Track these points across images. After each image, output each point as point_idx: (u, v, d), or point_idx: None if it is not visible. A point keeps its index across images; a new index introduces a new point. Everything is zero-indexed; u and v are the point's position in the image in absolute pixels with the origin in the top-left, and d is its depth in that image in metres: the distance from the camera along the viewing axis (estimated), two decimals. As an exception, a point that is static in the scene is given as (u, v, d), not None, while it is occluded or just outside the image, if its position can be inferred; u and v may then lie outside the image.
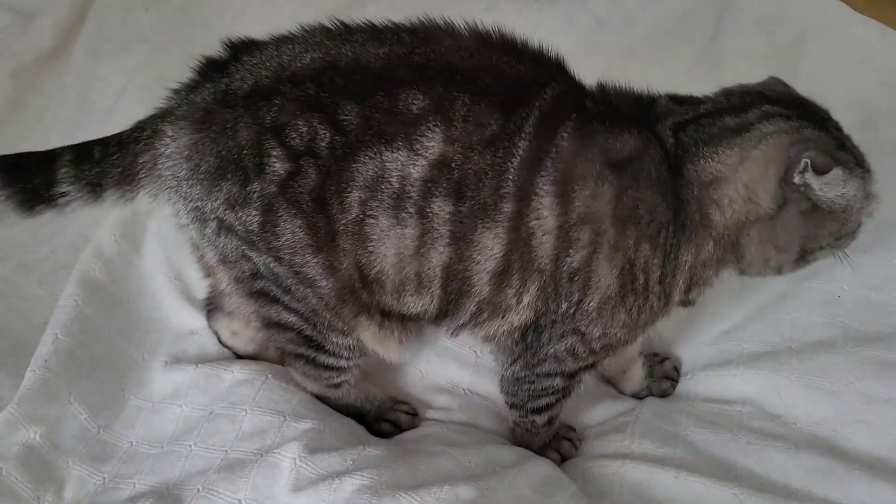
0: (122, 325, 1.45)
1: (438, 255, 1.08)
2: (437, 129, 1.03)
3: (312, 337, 1.21)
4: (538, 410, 1.25)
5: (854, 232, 1.09)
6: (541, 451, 1.33)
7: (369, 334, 1.19)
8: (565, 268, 1.07)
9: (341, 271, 1.10)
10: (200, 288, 1.45)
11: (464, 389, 1.43)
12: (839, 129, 1.08)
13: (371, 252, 1.08)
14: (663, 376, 1.43)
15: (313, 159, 1.04)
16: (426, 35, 1.08)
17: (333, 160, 1.04)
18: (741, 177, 1.04)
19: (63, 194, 1.10)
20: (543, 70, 1.10)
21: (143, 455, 1.28)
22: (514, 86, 1.06)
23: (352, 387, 1.33)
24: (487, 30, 1.10)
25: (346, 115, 1.03)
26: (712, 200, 1.06)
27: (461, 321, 1.16)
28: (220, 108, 1.06)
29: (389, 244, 1.07)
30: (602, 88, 1.12)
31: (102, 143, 1.12)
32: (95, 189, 1.11)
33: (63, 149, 1.12)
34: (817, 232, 1.07)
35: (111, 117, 1.80)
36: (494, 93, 1.05)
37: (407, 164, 1.03)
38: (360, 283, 1.12)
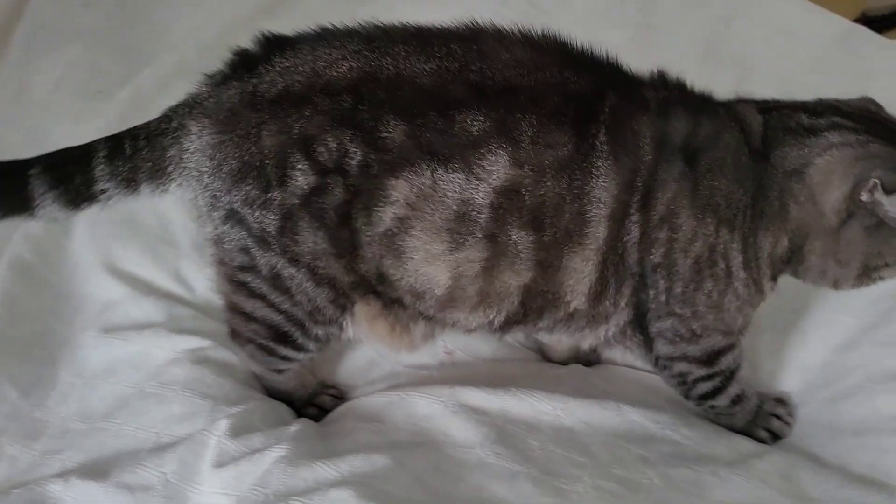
0: (52, 304, 1.45)
1: (517, 277, 1.08)
2: (503, 153, 1.00)
3: (288, 333, 1.18)
4: (705, 397, 1.23)
5: None
6: (747, 431, 1.28)
7: (370, 321, 1.18)
8: (649, 266, 1.09)
9: (361, 272, 1.10)
10: (130, 263, 1.49)
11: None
12: None
13: (405, 268, 1.07)
14: None
15: (342, 177, 1.02)
16: (479, 47, 1.04)
17: (366, 178, 1.01)
18: (814, 181, 1.05)
19: (103, 191, 1.12)
20: (600, 78, 1.07)
21: (75, 432, 1.27)
22: (581, 102, 1.04)
23: (293, 374, 1.33)
24: (541, 37, 1.07)
25: (389, 132, 1.00)
26: (791, 192, 1.06)
27: (539, 326, 1.17)
28: (246, 111, 1.03)
29: (441, 265, 1.06)
30: (662, 76, 1.13)
31: (133, 135, 1.12)
32: (131, 184, 1.12)
33: (98, 142, 1.13)
34: (882, 249, 1.05)
35: (47, 110, 1.81)
36: (563, 112, 1.02)
37: (467, 188, 1.00)
38: (379, 280, 1.11)
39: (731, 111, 1.10)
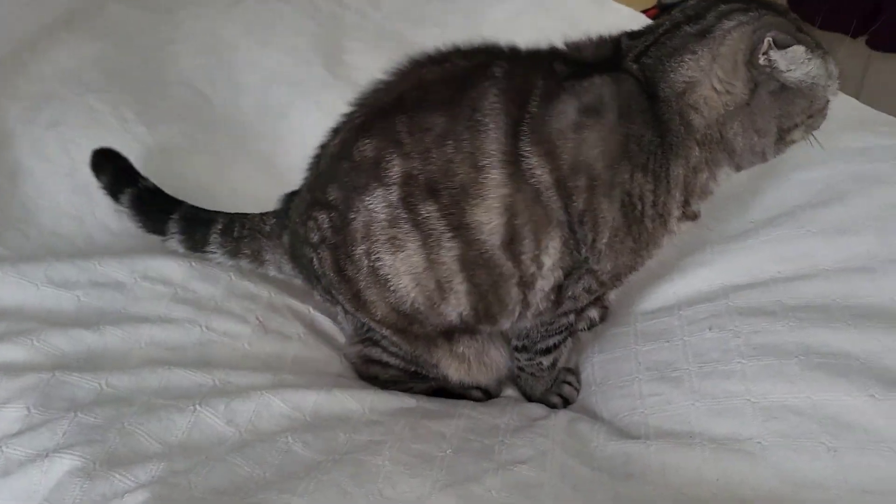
0: None
1: (447, 252, 1.21)
2: (394, 155, 1.18)
3: (415, 371, 1.41)
4: (546, 351, 1.34)
5: (823, 109, 1.19)
6: (543, 397, 1.41)
7: (447, 362, 1.37)
8: (575, 214, 1.17)
9: (383, 318, 1.31)
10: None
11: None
12: (798, 19, 1.17)
13: (393, 290, 1.25)
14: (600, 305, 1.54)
15: (325, 244, 1.28)
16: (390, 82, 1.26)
17: (336, 234, 1.25)
18: (715, 73, 1.14)
19: (211, 252, 1.52)
20: (490, 55, 1.21)
21: None
22: (464, 77, 1.18)
23: None
24: (465, 48, 1.24)
25: (332, 195, 1.25)
26: (690, 106, 1.16)
27: (501, 309, 1.28)
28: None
29: (402, 271, 1.23)
30: (569, 45, 1.23)
31: (241, 222, 1.50)
32: (234, 257, 1.52)
33: (221, 215, 1.52)
34: (789, 110, 1.16)
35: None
36: (434, 96, 1.18)
37: (387, 196, 1.19)
38: (405, 321, 1.30)
39: (623, 70, 1.19)
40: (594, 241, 1.21)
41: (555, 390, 1.44)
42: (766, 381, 1.26)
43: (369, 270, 1.25)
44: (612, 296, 1.59)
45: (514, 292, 1.25)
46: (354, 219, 1.22)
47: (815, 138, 1.24)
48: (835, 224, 1.44)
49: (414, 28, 2.22)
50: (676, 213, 1.23)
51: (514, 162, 1.15)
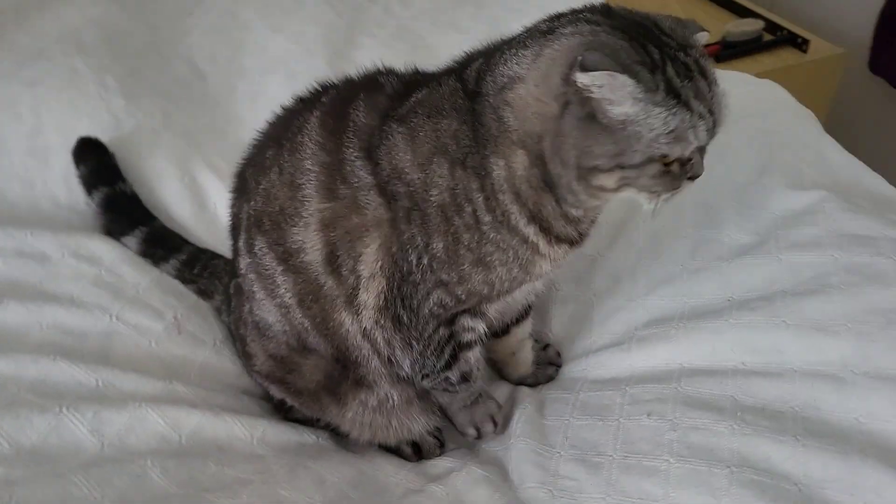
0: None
1: (284, 288, 1.18)
2: (243, 205, 1.24)
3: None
4: (447, 366, 1.23)
5: (641, 166, 0.96)
6: (461, 421, 1.33)
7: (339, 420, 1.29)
8: (401, 210, 1.08)
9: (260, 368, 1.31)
10: None
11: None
12: (672, 59, 0.96)
13: (271, 339, 1.24)
14: (547, 362, 1.45)
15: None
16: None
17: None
18: (532, 75, 0.99)
19: (166, 271, 1.53)
20: (328, 87, 1.22)
21: None
22: (291, 114, 1.21)
23: None
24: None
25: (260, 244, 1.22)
26: (506, 102, 1.02)
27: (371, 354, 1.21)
28: None
29: (268, 311, 1.22)
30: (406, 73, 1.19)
31: (205, 263, 1.52)
32: (183, 283, 1.52)
33: (186, 247, 1.55)
34: (590, 146, 0.96)
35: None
36: (270, 133, 1.23)
37: (243, 246, 1.24)
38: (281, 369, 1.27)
39: (454, 69, 1.13)
40: (427, 245, 1.09)
41: (475, 419, 1.33)
42: (688, 490, 1.09)
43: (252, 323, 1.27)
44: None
45: (347, 319, 1.17)
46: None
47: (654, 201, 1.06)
48: (813, 320, 1.24)
49: (435, 31, 2.09)
50: (529, 228, 1.08)
51: (335, 170, 1.11)
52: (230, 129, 1.80)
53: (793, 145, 1.68)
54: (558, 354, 1.47)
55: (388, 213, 1.10)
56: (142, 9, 2.07)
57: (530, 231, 1.09)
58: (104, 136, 1.68)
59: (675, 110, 0.93)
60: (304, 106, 1.22)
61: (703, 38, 1.01)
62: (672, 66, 0.95)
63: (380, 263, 1.12)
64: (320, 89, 1.24)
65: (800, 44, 2.58)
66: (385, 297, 1.15)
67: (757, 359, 1.25)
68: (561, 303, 1.51)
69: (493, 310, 1.22)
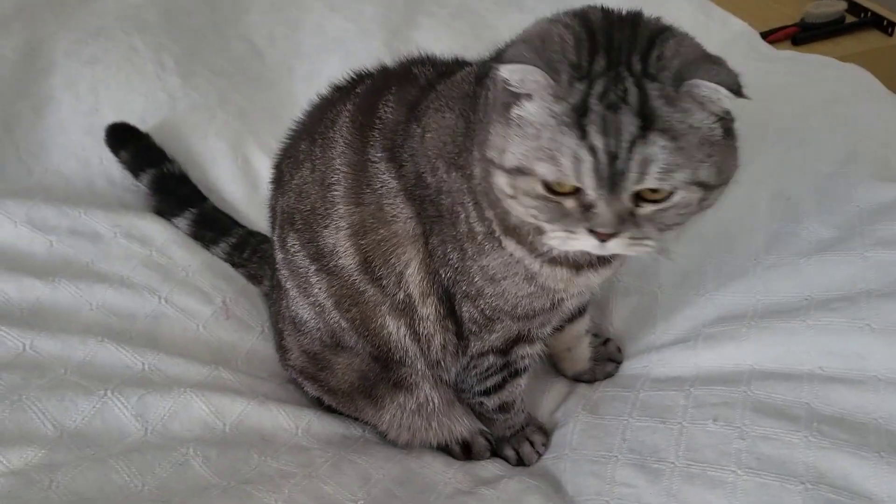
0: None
1: (318, 288, 1.13)
2: (277, 198, 1.21)
3: None
4: (485, 393, 1.19)
5: (514, 174, 0.86)
6: (498, 446, 1.28)
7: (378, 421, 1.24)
8: (428, 224, 1.03)
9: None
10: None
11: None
12: (614, 81, 0.82)
13: (305, 334, 1.22)
14: (607, 358, 1.38)
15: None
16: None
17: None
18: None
19: (214, 254, 1.50)
20: (362, 76, 1.16)
21: None
22: (324, 105, 1.16)
23: None
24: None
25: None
26: (484, 87, 0.96)
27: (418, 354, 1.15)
28: None
29: (302, 308, 1.18)
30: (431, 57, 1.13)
31: (256, 248, 1.48)
32: (233, 266, 1.48)
33: (237, 230, 1.51)
34: (491, 135, 0.89)
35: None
36: (304, 125, 1.18)
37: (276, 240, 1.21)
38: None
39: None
40: (445, 255, 1.04)
41: (514, 443, 1.27)
42: (756, 507, 1.00)
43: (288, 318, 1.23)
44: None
45: (391, 324, 1.12)
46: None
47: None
48: (902, 325, 1.14)
49: (496, 11, 2.02)
50: (508, 241, 0.99)
51: (360, 172, 1.05)
52: (285, 111, 1.74)
53: (879, 134, 1.55)
54: (619, 350, 1.39)
55: (419, 226, 1.04)
56: (205, -13, 2.04)
57: (510, 244, 0.99)
58: (158, 116, 1.66)
59: (565, 129, 0.81)
60: (339, 96, 1.16)
61: (709, 89, 0.81)
62: (605, 86, 0.82)
63: (426, 282, 1.08)
64: (356, 78, 1.18)
65: (885, 26, 2.42)
66: (445, 308, 1.10)
67: (836, 364, 1.15)
68: (623, 295, 1.43)
69: (549, 329, 1.16)
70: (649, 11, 0.92)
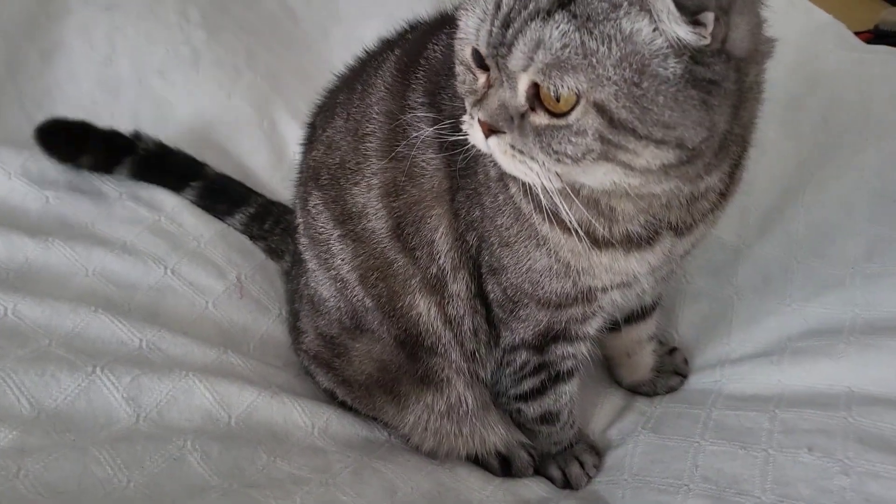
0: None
1: (341, 259, 0.99)
2: (309, 151, 1.05)
3: None
4: (522, 398, 1.03)
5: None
6: (542, 463, 1.11)
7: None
8: (457, 179, 0.90)
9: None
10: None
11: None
12: None
13: (323, 314, 1.06)
14: (672, 370, 1.20)
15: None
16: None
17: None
18: None
19: (230, 225, 1.32)
20: (413, 27, 1.03)
21: None
22: (368, 57, 1.04)
23: None
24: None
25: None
26: None
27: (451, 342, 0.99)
28: None
29: (321, 284, 1.03)
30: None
31: (278, 217, 1.30)
32: (251, 239, 1.32)
33: (253, 198, 1.33)
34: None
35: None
36: (344, 78, 1.06)
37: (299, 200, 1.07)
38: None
39: None
40: (470, 213, 0.90)
41: (560, 462, 1.10)
42: (869, 558, 0.82)
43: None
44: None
45: (422, 303, 0.96)
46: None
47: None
48: None
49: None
50: (511, 182, 0.85)
51: (398, 121, 0.90)
52: (319, 75, 1.57)
53: None
54: (685, 362, 1.22)
55: (447, 180, 0.89)
56: (237, -62, 1.89)
57: (513, 185, 0.85)
58: (179, 70, 1.50)
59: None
60: (386, 46, 1.03)
61: None
62: None
63: (456, 252, 0.93)
64: (408, 28, 1.04)
65: (964, 34, 2.23)
66: (476, 286, 0.95)
67: (958, 390, 0.97)
68: (692, 299, 1.25)
69: (593, 328, 0.98)
70: None
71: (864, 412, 0.99)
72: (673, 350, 1.22)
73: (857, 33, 2.20)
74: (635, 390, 1.20)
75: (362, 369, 1.03)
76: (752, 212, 1.30)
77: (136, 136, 1.32)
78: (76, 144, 1.28)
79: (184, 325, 1.13)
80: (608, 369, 1.23)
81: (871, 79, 1.45)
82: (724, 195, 0.87)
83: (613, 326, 1.12)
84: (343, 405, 1.09)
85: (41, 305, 1.06)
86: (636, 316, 1.13)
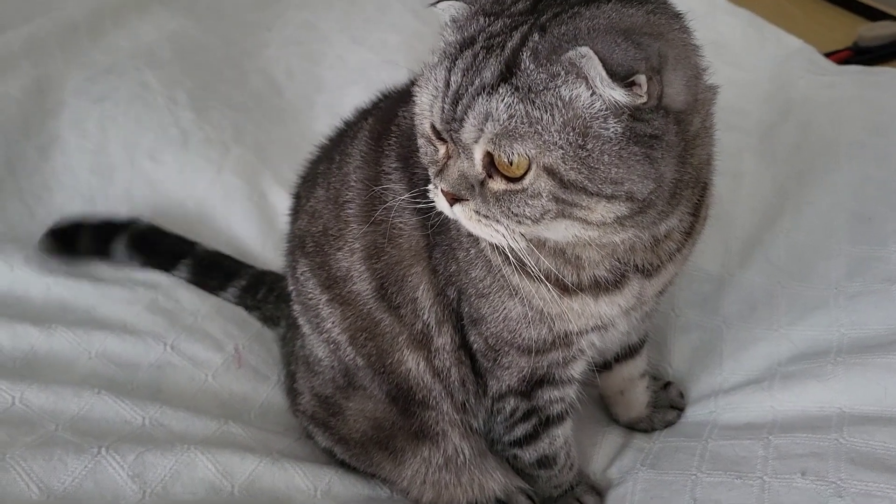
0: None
1: (330, 322, 1.02)
2: (295, 221, 1.09)
3: None
4: (516, 444, 1.05)
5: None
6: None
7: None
8: (430, 235, 0.93)
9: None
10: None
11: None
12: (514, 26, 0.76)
13: (317, 374, 1.09)
14: (668, 405, 1.22)
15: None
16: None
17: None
18: None
19: (226, 299, 1.36)
20: (386, 96, 1.08)
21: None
22: (345, 127, 1.08)
23: None
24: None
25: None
26: None
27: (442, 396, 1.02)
28: None
29: (316, 345, 1.06)
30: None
31: (271, 286, 1.32)
32: (247, 310, 1.35)
33: (244, 270, 1.36)
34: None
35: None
36: (324, 150, 1.10)
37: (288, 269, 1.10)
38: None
39: None
40: (447, 268, 0.93)
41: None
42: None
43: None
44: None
45: (410, 358, 0.98)
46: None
47: None
48: None
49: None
50: (506, 269, 0.88)
51: (374, 186, 0.94)
52: (306, 144, 1.62)
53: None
54: (681, 395, 1.23)
55: (423, 238, 0.93)
56: (220, 23, 1.96)
57: (492, 256, 0.89)
58: (169, 151, 1.56)
59: (445, 59, 0.75)
60: (361, 115, 1.08)
61: (586, 62, 0.68)
62: (502, 26, 0.74)
63: (438, 307, 0.96)
64: (381, 97, 1.09)
65: (947, 48, 2.26)
66: (459, 338, 0.98)
67: (946, 405, 0.98)
68: (682, 331, 1.27)
69: (577, 371, 1.00)
70: (697, 27, 0.79)
71: (855, 432, 1.00)
72: (668, 384, 1.23)
73: (836, 51, 2.25)
74: (633, 427, 1.21)
75: (357, 427, 1.05)
76: (733, 242, 1.32)
77: (132, 220, 1.38)
78: (68, 236, 1.35)
79: (185, 399, 1.16)
80: (605, 408, 1.24)
81: (842, 101, 1.48)
82: (689, 234, 0.90)
83: (605, 366, 1.15)
84: (343, 464, 1.11)
85: (46, 391, 1.10)
86: (625, 354, 1.14)
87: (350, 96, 1.70)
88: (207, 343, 1.25)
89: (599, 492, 1.12)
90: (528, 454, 1.05)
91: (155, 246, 1.37)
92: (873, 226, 1.25)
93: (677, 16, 0.79)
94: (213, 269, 1.36)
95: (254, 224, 1.50)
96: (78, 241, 1.35)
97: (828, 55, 2.14)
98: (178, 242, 1.38)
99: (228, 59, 1.86)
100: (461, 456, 1.03)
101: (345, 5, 2.01)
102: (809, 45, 1.81)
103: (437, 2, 0.79)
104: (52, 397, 1.09)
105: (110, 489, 0.99)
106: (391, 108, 1.00)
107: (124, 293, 1.31)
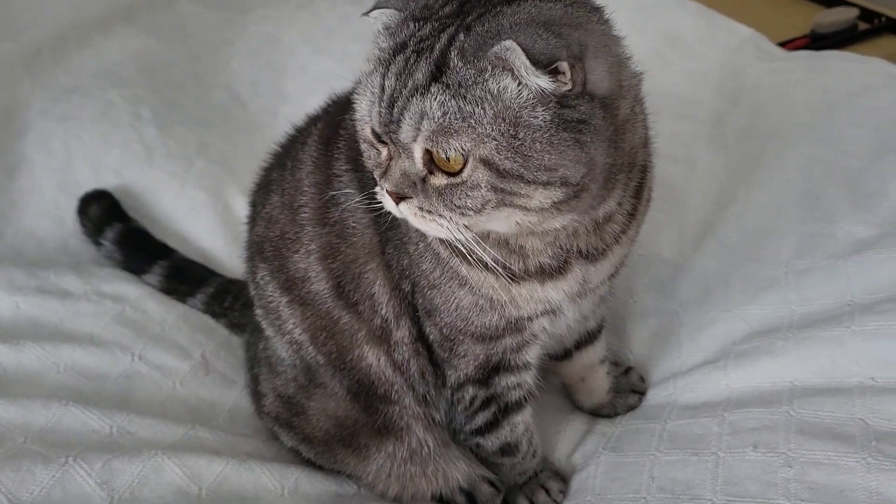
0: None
1: (291, 323, 1.04)
2: (251, 229, 1.12)
3: None
4: (478, 432, 1.07)
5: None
6: (510, 495, 1.15)
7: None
8: (383, 232, 0.96)
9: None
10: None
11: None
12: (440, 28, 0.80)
13: (280, 374, 1.10)
14: (629, 389, 1.24)
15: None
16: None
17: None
18: None
19: (192, 306, 1.39)
20: (333, 102, 1.10)
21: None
22: (293, 137, 1.12)
23: None
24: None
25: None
26: None
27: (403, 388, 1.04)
28: None
29: (280, 346, 1.08)
30: None
31: (237, 294, 1.34)
32: (213, 318, 1.38)
33: (213, 278, 1.40)
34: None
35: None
36: (276, 157, 1.13)
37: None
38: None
39: None
40: (399, 263, 0.96)
41: (527, 491, 1.13)
42: (813, 545, 0.85)
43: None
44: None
45: (370, 354, 1.02)
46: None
47: None
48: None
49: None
50: (454, 260, 0.92)
51: (327, 189, 0.97)
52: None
53: (909, 124, 1.42)
54: (642, 380, 1.25)
55: (377, 235, 0.96)
56: (184, 41, 1.98)
57: (440, 249, 0.92)
58: (134, 167, 1.58)
59: (379, 66, 0.78)
60: (310, 121, 1.11)
61: (511, 54, 0.71)
62: (431, 29, 0.77)
63: (395, 301, 0.99)
64: (329, 103, 1.11)
65: (901, 31, 2.31)
66: (417, 330, 1.00)
67: (891, 373, 1.01)
68: (640, 317, 1.29)
69: (532, 356, 1.03)
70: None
71: (804, 404, 1.02)
72: (628, 369, 1.26)
73: (793, 39, 2.29)
74: (596, 413, 1.23)
75: (320, 425, 1.07)
76: (688, 227, 1.35)
77: (131, 218, 1.49)
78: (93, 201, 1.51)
79: (153, 407, 1.18)
80: (569, 397, 1.26)
81: (789, 84, 1.51)
82: (633, 216, 0.93)
83: (566, 354, 1.17)
84: (309, 462, 1.13)
85: (15, 405, 1.11)
86: (584, 341, 1.17)
87: (313, 105, 1.73)
88: (175, 352, 1.27)
89: (563, 477, 1.14)
90: (491, 442, 1.07)
91: (139, 243, 1.44)
92: (821, 204, 1.28)
93: (596, 9, 0.82)
94: (185, 275, 1.39)
95: (219, 235, 1.52)
96: (94, 207, 1.48)
97: (785, 43, 2.19)
98: (161, 246, 1.44)
99: (193, 74, 1.89)
100: (425, 448, 1.05)
101: (307, 17, 2.03)
102: (759, 33, 1.84)
103: (370, 11, 0.82)
104: (20, 411, 1.10)
105: (78, 497, 1.00)
106: (338, 112, 1.03)
107: (91, 307, 1.32)
